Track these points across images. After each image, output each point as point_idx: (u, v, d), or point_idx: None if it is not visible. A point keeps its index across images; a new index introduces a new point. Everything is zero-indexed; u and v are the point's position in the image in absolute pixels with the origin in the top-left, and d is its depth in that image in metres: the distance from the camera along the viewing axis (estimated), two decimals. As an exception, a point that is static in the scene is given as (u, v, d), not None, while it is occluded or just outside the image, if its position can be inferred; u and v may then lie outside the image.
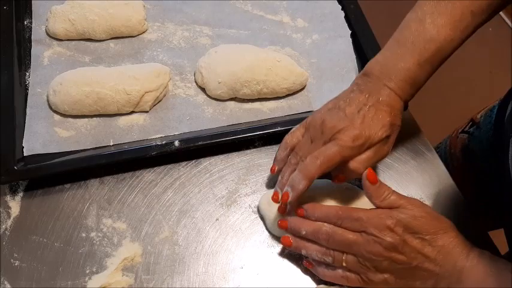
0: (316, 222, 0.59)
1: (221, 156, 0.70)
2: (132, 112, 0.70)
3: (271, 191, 0.64)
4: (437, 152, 0.73)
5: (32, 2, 0.80)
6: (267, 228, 0.64)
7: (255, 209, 0.65)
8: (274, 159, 0.66)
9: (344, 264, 0.57)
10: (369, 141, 0.59)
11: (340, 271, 0.57)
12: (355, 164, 0.59)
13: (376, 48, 0.78)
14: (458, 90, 1.82)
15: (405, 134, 0.73)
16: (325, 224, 0.58)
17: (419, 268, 0.54)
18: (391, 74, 0.60)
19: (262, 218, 0.64)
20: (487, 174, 0.76)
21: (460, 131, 0.86)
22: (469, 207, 0.68)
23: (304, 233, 0.59)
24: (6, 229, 0.62)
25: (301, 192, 0.58)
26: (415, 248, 0.54)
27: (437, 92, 1.71)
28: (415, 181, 0.69)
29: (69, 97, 0.67)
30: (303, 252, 0.59)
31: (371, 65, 0.63)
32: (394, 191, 0.57)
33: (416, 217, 0.55)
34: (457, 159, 0.84)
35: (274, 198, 0.62)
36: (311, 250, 0.58)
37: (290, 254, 0.63)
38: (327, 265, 0.58)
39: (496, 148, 0.73)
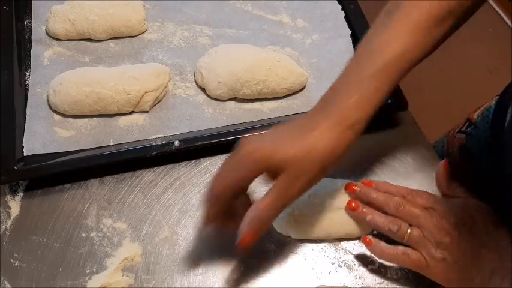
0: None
1: (221, 156, 0.70)
2: (132, 112, 0.70)
3: None
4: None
5: (32, 2, 0.80)
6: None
7: (255, 209, 0.65)
8: None
9: (406, 239, 0.58)
10: None
11: (401, 248, 0.58)
12: None
13: (376, 48, 0.78)
14: (458, 90, 1.81)
15: (405, 134, 0.74)
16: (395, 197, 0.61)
17: (478, 253, 0.55)
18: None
19: None
20: (487, 174, 0.76)
21: (457, 130, 0.86)
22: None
23: (374, 196, 0.60)
24: (6, 229, 0.62)
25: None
26: (478, 233, 0.56)
27: (437, 92, 1.70)
28: (415, 181, 0.69)
29: (69, 97, 0.67)
30: (368, 218, 0.60)
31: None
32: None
33: (482, 207, 0.58)
34: (455, 158, 0.84)
35: None
36: (377, 216, 0.60)
37: (290, 254, 0.63)
38: (387, 242, 0.59)
39: (494, 149, 0.73)
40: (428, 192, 0.61)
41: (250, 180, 0.53)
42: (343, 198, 0.63)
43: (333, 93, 0.55)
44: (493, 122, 0.74)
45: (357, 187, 0.62)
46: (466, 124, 0.84)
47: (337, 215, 0.62)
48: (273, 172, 0.51)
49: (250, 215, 0.51)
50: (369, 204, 0.61)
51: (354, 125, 0.52)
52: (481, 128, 0.78)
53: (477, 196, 0.61)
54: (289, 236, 0.63)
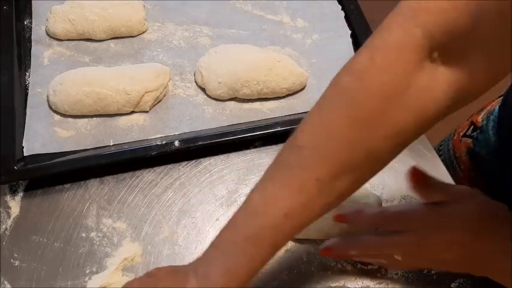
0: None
1: (221, 156, 0.70)
2: (132, 112, 0.70)
3: None
4: (439, 156, 0.72)
5: (32, 2, 0.79)
6: None
7: (255, 209, 0.65)
8: None
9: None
10: None
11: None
12: None
13: (376, 48, 0.78)
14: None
15: (405, 134, 0.74)
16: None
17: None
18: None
19: None
20: (497, 178, 0.75)
21: (462, 134, 0.85)
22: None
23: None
24: (6, 229, 0.62)
25: None
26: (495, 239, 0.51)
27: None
28: (415, 181, 0.69)
29: (69, 97, 0.67)
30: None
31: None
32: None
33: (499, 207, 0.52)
34: (464, 162, 0.83)
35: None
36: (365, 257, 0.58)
37: (290, 254, 0.63)
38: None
39: (501, 153, 0.72)
40: (427, 208, 0.54)
41: None
42: None
43: (206, 255, 0.47)
44: (498, 126, 0.74)
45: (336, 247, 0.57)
46: (471, 128, 0.83)
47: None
48: None
49: None
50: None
51: None
52: (487, 132, 0.78)
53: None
54: None
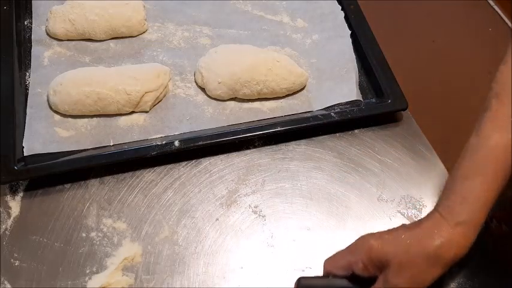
0: None
1: (221, 156, 0.70)
2: (132, 112, 0.70)
3: None
4: None
5: (32, 2, 0.80)
6: None
7: (255, 209, 0.65)
8: None
9: None
10: None
11: None
12: None
13: (376, 48, 0.78)
14: (458, 90, 1.81)
15: (405, 134, 0.74)
16: None
17: None
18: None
19: None
20: None
21: None
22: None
23: None
24: (6, 229, 0.62)
25: None
26: None
27: (436, 92, 1.70)
28: (415, 181, 0.69)
29: (69, 97, 0.68)
30: None
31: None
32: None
33: None
34: None
35: None
36: None
37: (290, 254, 0.63)
38: None
39: None
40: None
41: (359, 268, 0.54)
42: None
43: (444, 190, 0.56)
44: None
45: None
46: None
47: None
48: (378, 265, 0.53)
49: None
50: None
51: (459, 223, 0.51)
52: None
53: None
54: None
